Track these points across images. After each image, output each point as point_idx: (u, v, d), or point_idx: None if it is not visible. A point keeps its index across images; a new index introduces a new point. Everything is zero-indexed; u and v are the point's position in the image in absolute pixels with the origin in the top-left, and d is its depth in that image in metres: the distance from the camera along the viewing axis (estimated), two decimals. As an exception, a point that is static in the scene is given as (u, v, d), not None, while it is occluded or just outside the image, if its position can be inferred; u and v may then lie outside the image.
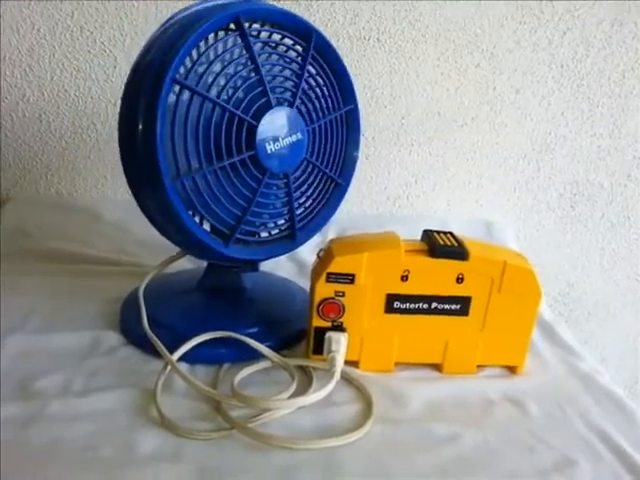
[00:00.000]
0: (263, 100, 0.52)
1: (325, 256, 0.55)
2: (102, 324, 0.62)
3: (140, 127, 0.49)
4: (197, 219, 0.54)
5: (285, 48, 0.55)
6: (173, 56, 0.48)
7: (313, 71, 0.57)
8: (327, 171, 0.60)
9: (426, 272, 0.54)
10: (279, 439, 0.46)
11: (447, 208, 0.94)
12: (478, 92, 0.88)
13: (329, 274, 0.53)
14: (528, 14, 0.85)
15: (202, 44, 0.51)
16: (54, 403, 0.49)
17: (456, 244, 0.54)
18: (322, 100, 0.58)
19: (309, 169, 0.58)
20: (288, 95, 0.55)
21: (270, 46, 0.55)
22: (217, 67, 0.51)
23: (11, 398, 0.50)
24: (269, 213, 0.57)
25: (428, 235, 0.56)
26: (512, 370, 0.58)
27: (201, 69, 0.50)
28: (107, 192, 0.90)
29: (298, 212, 0.59)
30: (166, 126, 0.49)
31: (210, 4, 0.53)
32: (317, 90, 0.57)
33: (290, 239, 0.60)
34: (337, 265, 0.53)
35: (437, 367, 0.58)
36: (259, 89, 0.52)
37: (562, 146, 0.91)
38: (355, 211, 0.92)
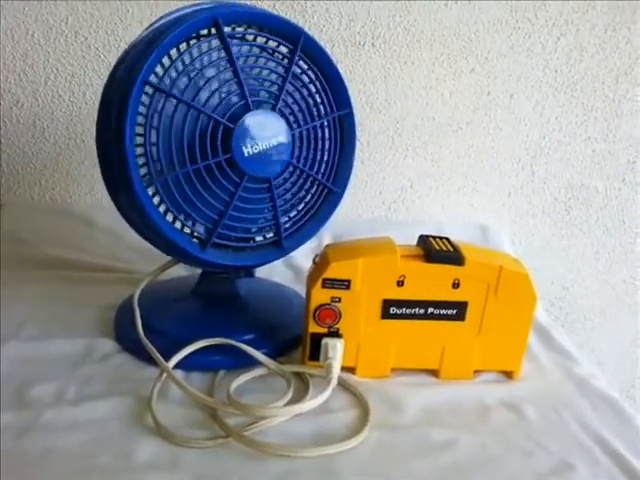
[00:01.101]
0: (241, 103, 0.52)
1: (321, 262, 0.55)
2: (97, 331, 0.61)
3: (112, 130, 0.49)
4: (178, 223, 0.54)
5: (271, 51, 0.55)
6: (145, 59, 0.48)
7: (301, 74, 0.56)
8: (318, 177, 0.59)
9: (422, 277, 0.53)
10: (275, 447, 0.45)
11: (442, 212, 0.94)
12: (472, 97, 0.88)
13: (325, 280, 0.53)
14: (522, 19, 0.85)
15: (182, 47, 0.51)
16: (49, 412, 0.49)
17: (452, 249, 0.54)
18: (310, 104, 0.57)
19: (296, 174, 0.57)
20: (271, 98, 0.54)
21: (257, 48, 0.54)
22: (194, 70, 0.51)
23: (6, 407, 0.49)
24: (252, 218, 0.56)
25: (424, 240, 0.56)
26: (508, 375, 0.58)
27: (176, 72, 0.50)
28: (101, 198, 0.89)
29: (285, 219, 0.58)
30: (139, 129, 0.49)
31: (193, 8, 0.52)
32: (305, 93, 0.56)
33: (276, 246, 0.58)
34: (333, 271, 0.53)
35: (434, 373, 0.57)
36: (237, 92, 0.52)
37: (556, 150, 0.92)
38: (350, 216, 0.92)
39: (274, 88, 0.55)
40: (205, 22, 0.50)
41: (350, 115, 0.60)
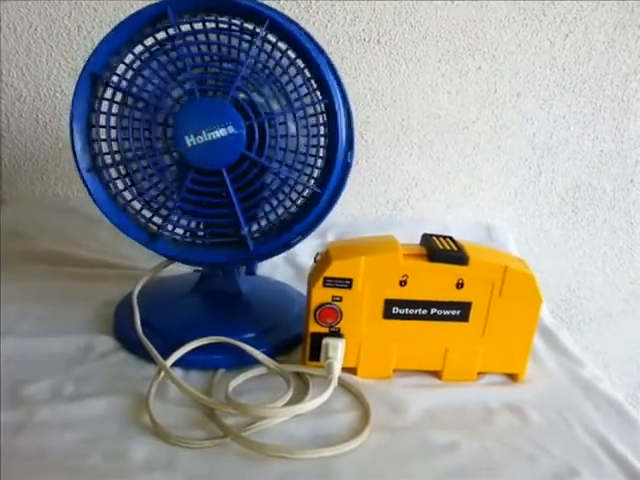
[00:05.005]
0: (185, 91, 0.51)
1: (322, 260, 0.54)
2: (96, 328, 0.61)
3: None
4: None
5: (234, 37, 0.51)
6: (94, 51, 0.50)
7: (268, 61, 0.51)
8: (281, 171, 0.52)
9: (425, 277, 0.53)
10: (273, 448, 0.45)
11: (447, 211, 0.93)
12: (479, 95, 0.87)
13: (326, 278, 0.52)
14: (530, 16, 0.84)
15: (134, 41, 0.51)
16: (44, 409, 0.48)
17: (456, 249, 0.53)
18: (276, 92, 0.51)
19: (256, 169, 0.52)
20: (223, 87, 0.51)
21: (214, 34, 0.52)
22: (140, 61, 0.52)
23: (1, 404, 0.49)
24: (208, 213, 0.54)
25: (427, 239, 0.55)
26: (513, 377, 0.57)
27: (125, 65, 0.51)
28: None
29: (247, 216, 0.54)
30: (88, 120, 0.53)
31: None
32: (270, 81, 0.51)
33: (240, 246, 0.55)
34: (334, 269, 0.52)
35: (437, 374, 0.57)
36: (179, 79, 0.51)
37: (564, 150, 0.90)
38: (355, 214, 0.91)
39: (227, 75, 0.51)
40: (156, 10, 0.50)
41: (332, 106, 0.52)
